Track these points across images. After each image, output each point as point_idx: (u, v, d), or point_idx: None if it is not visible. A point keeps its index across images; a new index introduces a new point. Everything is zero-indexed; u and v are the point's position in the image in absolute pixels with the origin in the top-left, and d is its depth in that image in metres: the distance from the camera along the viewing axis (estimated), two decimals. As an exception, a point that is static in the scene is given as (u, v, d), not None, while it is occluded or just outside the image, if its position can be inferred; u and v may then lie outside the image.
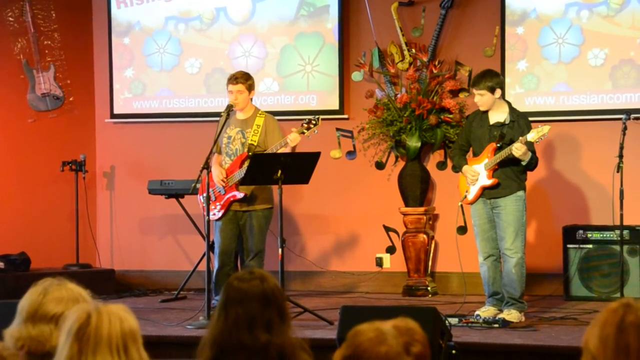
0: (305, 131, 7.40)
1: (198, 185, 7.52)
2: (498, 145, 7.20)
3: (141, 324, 2.82)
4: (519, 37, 8.78)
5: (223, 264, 7.62)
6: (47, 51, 9.61)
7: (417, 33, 9.01)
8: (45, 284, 3.06)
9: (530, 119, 7.46)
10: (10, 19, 9.50)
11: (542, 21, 8.72)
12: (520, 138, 7.08)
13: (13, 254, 9.04)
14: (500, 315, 7.15)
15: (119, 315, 2.72)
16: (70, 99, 9.70)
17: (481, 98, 7.28)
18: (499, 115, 7.32)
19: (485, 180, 7.27)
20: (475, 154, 7.42)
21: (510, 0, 8.76)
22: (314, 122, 7.42)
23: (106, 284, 9.26)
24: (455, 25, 8.95)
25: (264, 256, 7.68)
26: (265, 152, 7.45)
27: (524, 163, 7.17)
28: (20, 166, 9.54)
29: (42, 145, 9.62)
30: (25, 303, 3.05)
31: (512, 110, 7.34)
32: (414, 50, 8.95)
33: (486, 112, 7.36)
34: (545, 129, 7.06)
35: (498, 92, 7.27)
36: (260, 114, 7.69)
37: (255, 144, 7.57)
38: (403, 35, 8.98)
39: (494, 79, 7.28)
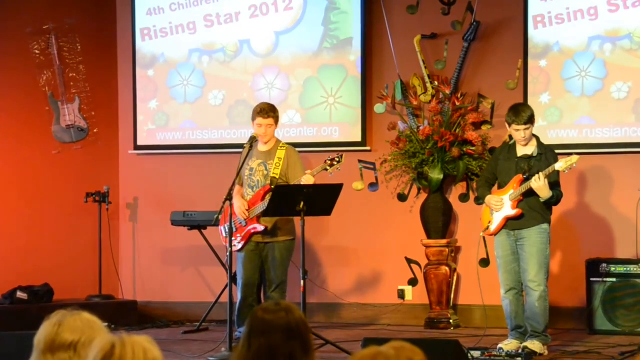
0: (328, 168, 7.43)
1: (220, 217, 7.55)
2: (525, 176, 7.19)
3: (164, 356, 2.82)
4: (541, 70, 8.78)
5: (246, 295, 7.64)
6: (72, 83, 9.69)
7: (440, 66, 9.03)
8: (59, 315, 3.05)
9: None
10: (37, 51, 9.59)
11: (565, 54, 8.73)
12: (547, 169, 7.06)
13: (36, 285, 9.07)
14: (524, 343, 7.12)
15: (143, 346, 2.73)
16: (95, 130, 9.77)
17: (527, 132, 7.24)
18: (527, 148, 7.31)
19: (509, 210, 7.25)
20: (501, 186, 7.41)
21: (533, 33, 8.77)
22: (337, 159, 7.44)
23: (129, 315, 9.27)
24: (478, 58, 8.97)
25: (286, 288, 7.70)
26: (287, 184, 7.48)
27: (542, 199, 7.12)
28: (44, 197, 9.59)
29: (66, 176, 9.67)
30: (41, 336, 3.03)
31: (540, 144, 7.34)
32: (436, 83, 8.97)
33: (514, 144, 7.36)
34: (574, 158, 7.05)
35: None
36: (281, 146, 7.72)
37: (278, 176, 7.60)
38: (426, 67, 9.01)
39: (531, 111, 7.30)
